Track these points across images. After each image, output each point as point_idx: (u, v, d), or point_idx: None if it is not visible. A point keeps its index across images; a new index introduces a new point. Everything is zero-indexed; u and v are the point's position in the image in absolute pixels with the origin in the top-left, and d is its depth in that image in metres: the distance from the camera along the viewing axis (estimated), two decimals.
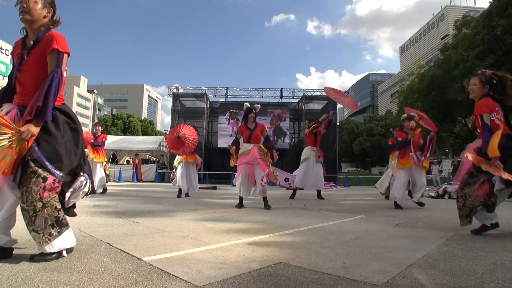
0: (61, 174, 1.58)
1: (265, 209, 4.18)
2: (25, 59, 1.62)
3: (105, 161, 6.76)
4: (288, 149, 16.92)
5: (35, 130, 1.50)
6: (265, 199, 4.34)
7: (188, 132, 5.82)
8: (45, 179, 1.53)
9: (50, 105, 1.53)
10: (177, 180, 6.20)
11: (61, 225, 1.60)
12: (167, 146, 6.24)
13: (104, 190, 6.47)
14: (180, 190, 6.22)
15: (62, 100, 1.69)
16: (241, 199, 4.47)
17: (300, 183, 6.27)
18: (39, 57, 1.61)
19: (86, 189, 1.73)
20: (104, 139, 6.57)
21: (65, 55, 1.64)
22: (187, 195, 6.30)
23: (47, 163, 1.53)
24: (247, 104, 4.67)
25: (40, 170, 1.52)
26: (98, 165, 6.41)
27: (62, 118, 1.64)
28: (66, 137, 1.63)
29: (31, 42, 1.64)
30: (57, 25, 1.72)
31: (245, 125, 4.51)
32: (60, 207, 1.61)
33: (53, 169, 1.54)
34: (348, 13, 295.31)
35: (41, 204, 1.52)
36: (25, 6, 1.59)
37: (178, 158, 6.29)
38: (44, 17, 1.66)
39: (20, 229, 2.35)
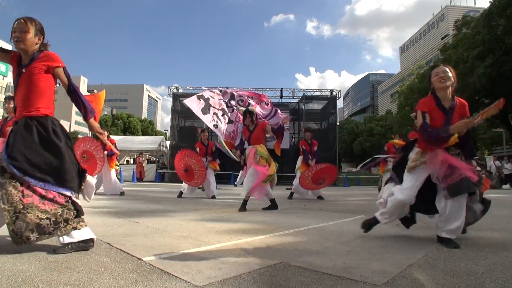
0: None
1: (240, 211, 4.00)
2: (22, 76, 1.82)
3: (118, 166, 6.71)
4: (288, 149, 16.92)
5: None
6: (245, 201, 4.12)
7: (192, 161, 5.86)
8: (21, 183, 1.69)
9: (89, 107, 1.96)
10: (183, 185, 6.24)
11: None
12: (179, 175, 6.23)
13: (122, 192, 6.32)
14: (181, 191, 6.22)
15: (46, 112, 1.84)
16: (272, 200, 4.28)
17: (297, 189, 6.32)
18: (33, 72, 1.81)
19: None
20: (114, 144, 6.42)
21: (66, 68, 1.93)
22: (213, 197, 6.21)
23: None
24: (242, 108, 4.73)
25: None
26: (112, 171, 6.30)
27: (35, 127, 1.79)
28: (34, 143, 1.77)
29: (27, 61, 1.84)
30: (46, 48, 1.93)
31: (246, 127, 4.50)
32: (47, 215, 1.70)
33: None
34: (347, 13, 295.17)
35: (22, 206, 1.65)
36: (19, 36, 1.80)
37: None
38: (36, 43, 1.87)
39: None
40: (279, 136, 4.48)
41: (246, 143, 4.56)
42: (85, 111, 1.94)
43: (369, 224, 2.41)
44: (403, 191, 2.23)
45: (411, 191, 2.19)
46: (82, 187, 1.91)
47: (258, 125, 4.44)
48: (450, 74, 2.18)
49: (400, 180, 2.33)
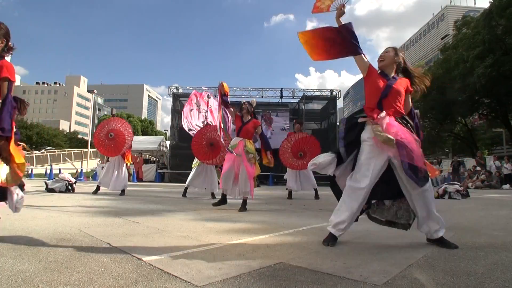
0: None
1: (240, 211, 3.92)
2: None
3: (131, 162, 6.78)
4: None
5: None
6: (244, 201, 4.08)
7: (217, 133, 5.66)
8: None
9: (4, 126, 1.79)
10: (188, 180, 6.22)
11: None
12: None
13: (123, 191, 6.31)
14: (186, 189, 6.22)
15: None
16: (223, 196, 4.16)
17: (291, 185, 6.31)
18: None
19: None
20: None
21: (13, 83, 1.89)
22: (213, 195, 6.20)
23: None
24: (254, 100, 4.66)
25: None
26: (125, 166, 6.37)
27: None
28: None
29: None
30: (11, 52, 1.94)
31: (241, 117, 4.41)
32: None
33: None
34: (347, 13, 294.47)
35: None
36: None
37: (196, 159, 6.24)
38: None
39: (20, 229, 2.36)
40: (264, 149, 4.34)
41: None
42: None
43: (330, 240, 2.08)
44: (358, 193, 2.00)
45: (367, 190, 1.99)
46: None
47: (252, 120, 4.37)
48: (389, 53, 2.22)
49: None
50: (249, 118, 4.38)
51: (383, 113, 2.06)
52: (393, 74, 2.22)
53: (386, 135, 1.94)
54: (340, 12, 2.27)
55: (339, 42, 2.22)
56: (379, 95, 2.12)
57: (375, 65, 2.25)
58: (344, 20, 2.25)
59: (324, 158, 2.19)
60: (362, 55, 2.21)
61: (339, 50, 2.26)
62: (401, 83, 2.18)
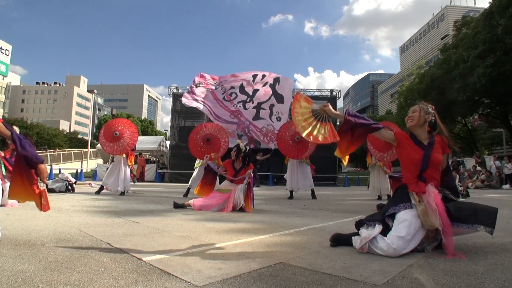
0: None
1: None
2: None
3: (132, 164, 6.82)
4: None
5: None
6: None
7: (211, 130, 5.80)
8: None
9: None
10: (191, 181, 6.26)
11: None
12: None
13: (122, 193, 6.30)
14: (188, 189, 6.23)
15: None
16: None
17: (289, 185, 6.32)
18: None
19: None
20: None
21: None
22: None
23: None
24: (242, 144, 4.33)
25: None
26: (128, 169, 6.43)
27: None
28: None
29: None
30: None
31: (232, 163, 4.25)
32: None
33: None
34: (345, 13, 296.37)
35: None
36: None
37: (199, 160, 6.25)
38: None
39: (20, 229, 2.36)
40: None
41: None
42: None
43: (340, 241, 2.05)
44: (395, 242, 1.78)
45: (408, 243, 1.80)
46: None
47: (247, 166, 4.21)
48: (417, 113, 2.07)
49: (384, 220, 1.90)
50: (242, 164, 4.21)
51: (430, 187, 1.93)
52: (426, 137, 2.05)
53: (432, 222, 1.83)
54: (327, 109, 2.21)
55: (356, 132, 2.16)
56: (418, 168, 1.98)
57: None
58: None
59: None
60: (382, 128, 2.09)
61: (359, 137, 2.19)
62: (438, 149, 2.02)
